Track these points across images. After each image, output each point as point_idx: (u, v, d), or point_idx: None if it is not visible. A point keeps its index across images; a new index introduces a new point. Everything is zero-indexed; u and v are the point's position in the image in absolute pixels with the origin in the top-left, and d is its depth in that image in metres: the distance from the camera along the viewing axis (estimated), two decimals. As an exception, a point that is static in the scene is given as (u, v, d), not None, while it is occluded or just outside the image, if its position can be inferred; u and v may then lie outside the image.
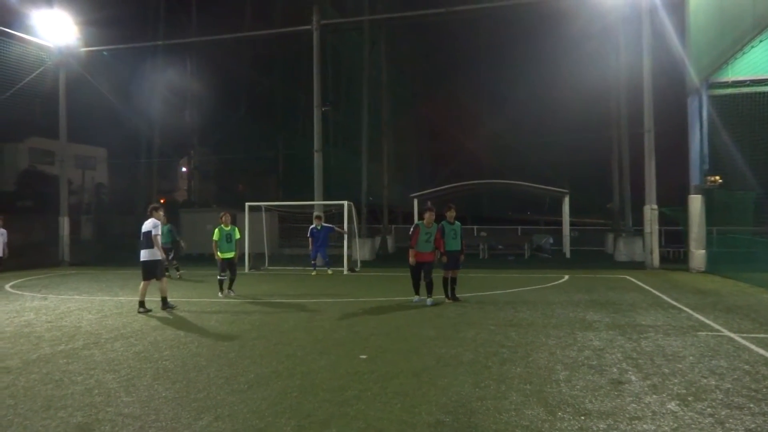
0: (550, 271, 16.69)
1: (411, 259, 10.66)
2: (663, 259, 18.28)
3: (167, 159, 35.58)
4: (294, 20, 22.84)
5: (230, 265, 12.08)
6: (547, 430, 4.29)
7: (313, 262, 17.20)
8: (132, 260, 23.98)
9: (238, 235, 12.34)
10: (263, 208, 19.99)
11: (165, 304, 10.29)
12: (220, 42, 27.79)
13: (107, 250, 26.02)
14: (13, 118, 29.08)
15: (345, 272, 17.36)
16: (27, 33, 21.40)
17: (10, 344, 7.45)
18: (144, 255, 10.18)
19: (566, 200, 23.54)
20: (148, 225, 10.21)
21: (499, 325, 8.46)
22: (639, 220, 19.03)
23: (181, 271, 16.21)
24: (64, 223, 22.92)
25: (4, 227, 15.72)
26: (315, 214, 18.10)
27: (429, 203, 13.46)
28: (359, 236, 20.15)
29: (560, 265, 18.79)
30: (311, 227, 17.21)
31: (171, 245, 15.33)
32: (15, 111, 26.95)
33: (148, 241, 10.13)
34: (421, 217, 11.00)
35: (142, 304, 10.12)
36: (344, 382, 5.55)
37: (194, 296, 12.29)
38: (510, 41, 33.17)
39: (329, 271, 17.10)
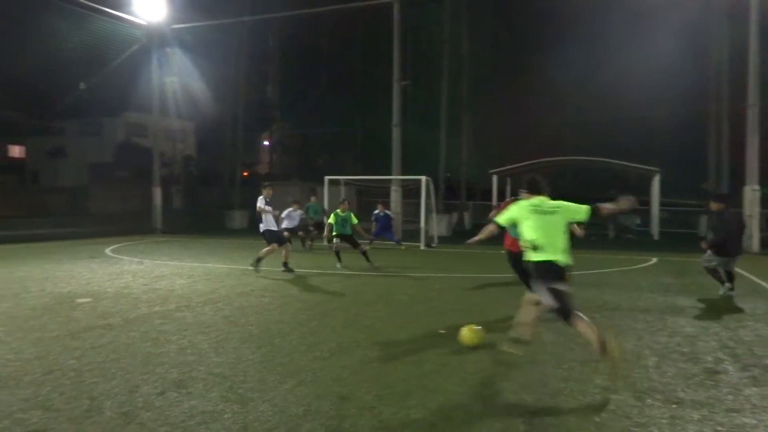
0: (636, 253, 15.94)
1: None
2: (764, 244, 17.02)
3: (251, 132, 36.70)
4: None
5: (348, 240, 12.58)
6: (636, 416, 4.12)
7: (372, 238, 17.41)
8: (218, 229, 25.14)
9: (355, 220, 12.70)
10: (342, 182, 20.27)
11: (285, 267, 11.27)
12: (302, 17, 28.16)
13: (196, 219, 27.37)
14: (112, 93, 30.97)
15: (422, 248, 17.38)
16: (122, 11, 22.53)
17: (112, 303, 8.02)
18: (261, 227, 11.20)
19: (656, 179, 22.31)
20: (258, 200, 11.12)
21: (583, 306, 8.12)
22: (737, 202, 17.76)
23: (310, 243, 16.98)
24: (157, 193, 24.26)
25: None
26: (380, 202, 18.18)
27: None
28: (436, 212, 20.05)
29: (648, 247, 17.90)
30: (376, 212, 17.39)
31: (319, 221, 16.58)
32: (113, 87, 28.67)
33: (259, 214, 11.13)
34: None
35: (285, 264, 11.25)
36: (423, 355, 5.57)
37: (277, 266, 12.69)
38: (597, 11, 31.50)
39: (402, 247, 17.18)
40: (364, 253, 12.40)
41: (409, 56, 28.87)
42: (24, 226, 20.07)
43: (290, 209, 16.13)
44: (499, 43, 38.77)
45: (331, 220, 12.64)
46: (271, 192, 11.31)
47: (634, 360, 5.48)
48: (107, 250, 15.43)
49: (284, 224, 15.76)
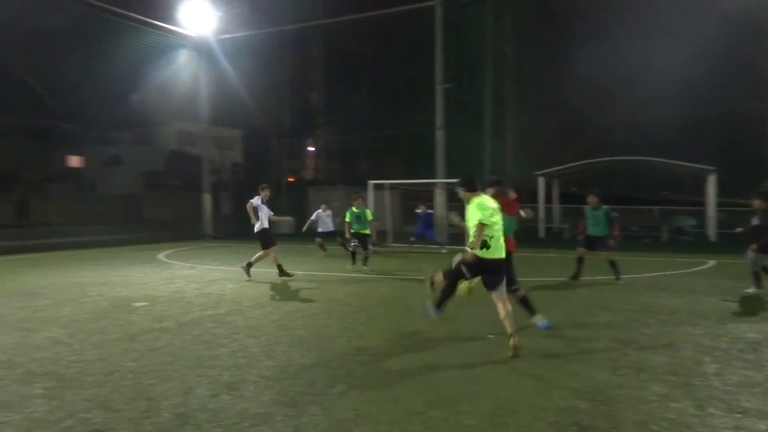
0: (692, 256, 15.36)
1: None
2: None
3: (296, 138, 37.25)
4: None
5: (362, 241, 12.64)
6: (697, 425, 3.96)
7: (412, 239, 17.49)
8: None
9: (369, 217, 12.93)
10: (386, 187, 20.33)
11: (281, 272, 11.14)
12: (343, 23, 28.39)
13: (243, 225, 27.87)
14: (162, 103, 31.95)
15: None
16: (171, 24, 23.25)
17: (166, 307, 8.26)
18: (257, 227, 11.13)
19: (711, 178, 21.45)
20: (254, 200, 11.14)
21: (636, 310, 7.95)
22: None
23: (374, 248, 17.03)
24: (207, 200, 24.88)
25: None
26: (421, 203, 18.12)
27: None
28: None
29: (704, 250, 17.20)
30: (417, 211, 17.34)
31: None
32: (164, 97, 29.57)
33: (256, 214, 11.07)
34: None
35: (279, 269, 11.08)
36: (472, 360, 5.51)
37: (324, 270, 12.83)
38: (646, 5, 30.64)
39: (444, 250, 16.99)
40: (365, 258, 12.56)
41: (452, 58, 28.75)
42: (82, 232, 20.91)
43: (319, 210, 16.00)
44: (542, 41, 38.15)
45: (347, 218, 12.84)
46: (268, 193, 11.42)
47: (694, 367, 5.27)
48: (160, 256, 15.91)
49: (319, 228, 15.84)
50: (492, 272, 5.84)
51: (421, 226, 17.16)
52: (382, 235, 19.68)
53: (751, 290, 9.01)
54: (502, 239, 5.85)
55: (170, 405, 4.34)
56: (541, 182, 24.15)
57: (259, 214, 11.06)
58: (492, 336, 6.45)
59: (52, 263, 14.23)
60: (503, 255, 5.87)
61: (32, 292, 9.63)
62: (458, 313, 7.79)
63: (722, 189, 21.59)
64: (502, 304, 5.82)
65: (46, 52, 28.66)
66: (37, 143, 37.38)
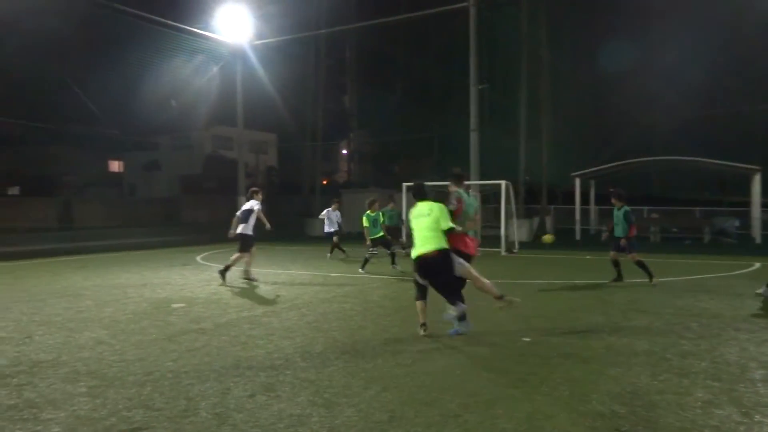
0: (735, 258, 14.90)
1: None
2: None
3: (329, 141, 37.54)
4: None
5: (383, 243, 12.78)
6: (743, 433, 3.83)
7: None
8: (299, 237, 25.82)
9: (382, 219, 13.42)
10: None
11: (245, 275, 11.30)
12: (377, 26, 28.50)
13: (277, 227, 28.18)
14: (200, 108, 32.63)
15: (503, 253, 17.07)
16: (208, 31, 23.71)
17: (203, 309, 8.41)
18: (240, 229, 11.18)
19: (757, 178, 20.77)
20: (251, 204, 11.27)
21: (677, 314, 7.75)
22: None
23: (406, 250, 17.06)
24: (242, 203, 25.26)
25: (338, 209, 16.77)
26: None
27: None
28: (516, 217, 19.65)
29: (749, 252, 16.69)
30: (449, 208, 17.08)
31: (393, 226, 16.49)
32: (201, 102, 30.21)
33: (246, 218, 11.15)
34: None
35: (244, 272, 11.30)
36: (508, 363, 5.45)
37: (349, 271, 12.87)
38: (684, 2, 29.87)
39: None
40: (392, 254, 12.85)
41: (486, 59, 28.57)
42: (123, 235, 21.53)
43: (329, 209, 16.14)
44: (577, 41, 37.58)
45: (366, 223, 13.10)
46: (261, 197, 11.54)
47: (739, 373, 5.10)
48: (198, 258, 16.22)
49: (326, 228, 16.07)
50: (424, 269, 6.41)
51: None
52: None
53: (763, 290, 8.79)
54: (424, 237, 6.40)
55: (208, 405, 4.41)
56: (577, 183, 23.76)
57: (250, 218, 11.21)
58: (527, 339, 6.37)
59: (94, 265, 14.66)
60: (425, 250, 6.35)
61: (76, 294, 9.94)
62: (492, 316, 7.72)
63: (766, 189, 20.89)
64: (479, 283, 6.47)
65: (88, 60, 29.58)
66: (79, 149, 38.61)
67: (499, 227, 17.81)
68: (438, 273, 6.36)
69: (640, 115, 32.70)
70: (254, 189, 11.93)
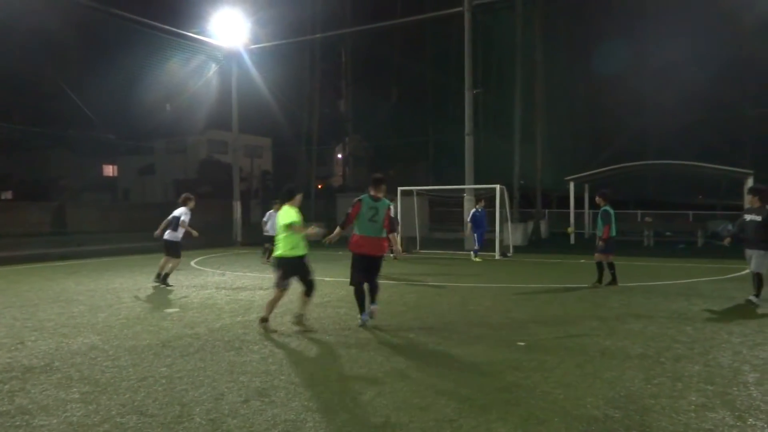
0: (729, 261, 14.94)
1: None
2: None
3: (324, 146, 37.56)
4: (444, 3, 22.70)
5: None
6: (737, 437, 3.84)
7: (476, 248, 16.70)
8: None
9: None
10: (414, 193, 20.32)
11: (163, 279, 11.23)
12: (372, 31, 28.56)
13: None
14: (195, 113, 32.58)
15: (497, 257, 17.09)
16: (203, 35, 23.70)
17: (198, 314, 8.39)
18: (167, 235, 11.20)
19: (749, 182, 20.87)
20: (180, 211, 11.25)
21: (671, 318, 7.77)
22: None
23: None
24: (237, 207, 25.23)
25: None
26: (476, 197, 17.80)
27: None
28: (511, 221, 19.67)
29: (742, 256, 16.72)
30: (473, 211, 16.79)
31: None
32: (196, 107, 30.18)
33: (176, 224, 11.16)
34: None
35: (161, 276, 11.21)
36: (503, 368, 5.45)
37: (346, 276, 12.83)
38: (679, 6, 30.05)
39: (476, 258, 16.64)
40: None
41: (481, 64, 28.68)
42: (117, 240, 21.42)
43: (271, 211, 15.02)
44: (572, 46, 37.77)
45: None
46: (193, 204, 11.50)
47: (732, 376, 5.12)
48: (192, 263, 16.16)
49: (268, 230, 14.90)
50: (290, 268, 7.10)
51: (477, 229, 16.53)
52: (411, 241, 19.69)
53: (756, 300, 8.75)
54: (280, 241, 7.10)
55: (202, 411, 4.39)
56: (571, 187, 23.83)
57: (179, 226, 11.18)
58: (522, 343, 6.37)
59: (88, 270, 14.59)
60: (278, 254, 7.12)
61: (69, 299, 9.89)
62: (487, 320, 7.74)
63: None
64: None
65: (84, 64, 29.51)
66: (74, 153, 38.49)
67: (493, 231, 17.82)
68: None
69: (634, 119, 32.84)
70: (187, 195, 11.69)
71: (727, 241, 9.31)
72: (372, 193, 7.40)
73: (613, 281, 10.55)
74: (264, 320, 7.18)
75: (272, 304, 7.20)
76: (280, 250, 7.02)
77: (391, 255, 12.39)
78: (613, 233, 10.49)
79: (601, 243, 10.45)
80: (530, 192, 28.51)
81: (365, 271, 7.39)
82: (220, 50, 24.57)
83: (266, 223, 15.39)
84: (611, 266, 10.60)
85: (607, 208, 10.48)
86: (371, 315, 7.46)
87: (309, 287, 7.14)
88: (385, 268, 13.41)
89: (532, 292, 10.26)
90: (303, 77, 32.42)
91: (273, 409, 4.40)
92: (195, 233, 11.46)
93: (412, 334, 6.93)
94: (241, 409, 4.41)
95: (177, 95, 28.05)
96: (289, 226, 6.89)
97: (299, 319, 7.17)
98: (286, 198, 7.23)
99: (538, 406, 4.41)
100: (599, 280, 10.63)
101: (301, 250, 7.07)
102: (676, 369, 5.36)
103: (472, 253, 16.83)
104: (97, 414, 4.34)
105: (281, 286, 7.06)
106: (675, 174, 26.55)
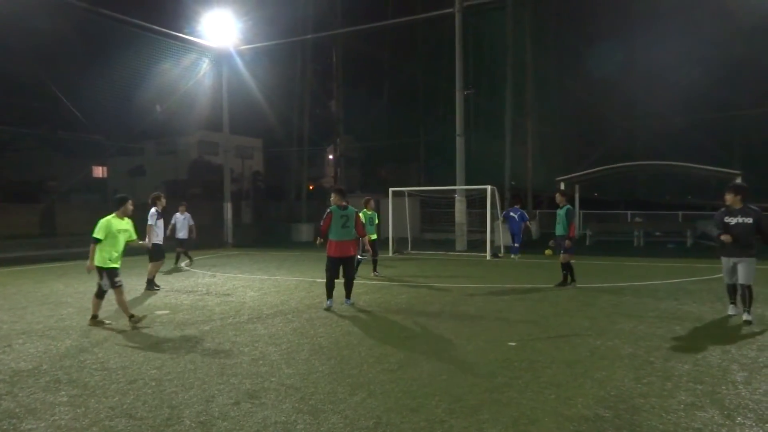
0: (718, 261, 15.02)
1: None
2: None
3: (316, 147, 37.48)
4: (434, 4, 22.73)
5: (372, 246, 12.59)
6: (726, 435, 3.87)
7: (516, 245, 16.90)
8: (285, 242, 25.71)
9: (377, 220, 13.22)
10: (406, 194, 20.33)
11: (149, 284, 11.08)
12: (363, 31, 28.53)
13: (264, 233, 28.13)
14: (185, 113, 32.39)
15: (488, 258, 17.13)
16: (193, 36, 23.58)
17: (188, 316, 8.34)
18: (148, 239, 10.93)
19: (736, 182, 21.05)
20: (150, 214, 11.23)
21: (661, 317, 7.82)
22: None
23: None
24: (228, 209, 25.12)
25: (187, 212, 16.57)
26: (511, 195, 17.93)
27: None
28: (502, 222, 19.71)
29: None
30: (508, 212, 17.13)
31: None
32: (186, 107, 30.01)
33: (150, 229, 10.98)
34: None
35: (148, 281, 11.08)
36: (494, 368, 5.46)
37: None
38: (667, 8, 30.26)
39: (514, 257, 16.74)
40: (374, 261, 12.93)
41: (472, 65, 28.74)
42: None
43: (176, 213, 14.87)
44: (563, 47, 37.95)
45: (362, 219, 12.91)
46: (164, 203, 11.40)
47: (721, 375, 5.16)
48: (182, 264, 16.06)
49: (177, 234, 14.80)
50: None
51: (514, 232, 16.73)
52: (402, 242, 19.70)
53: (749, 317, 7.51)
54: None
55: (192, 413, 4.37)
56: (562, 188, 23.90)
57: (157, 228, 11.15)
58: (513, 344, 6.39)
59: (77, 272, 14.46)
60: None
61: (57, 301, 9.81)
62: (478, 321, 7.75)
63: (751, 194, 21.17)
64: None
65: (72, 65, 29.26)
66: (62, 154, 38.18)
67: (484, 232, 17.86)
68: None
69: (624, 120, 33.03)
70: (155, 194, 11.49)
71: (725, 237, 7.58)
72: (338, 203, 8.73)
73: (568, 282, 10.57)
74: (95, 317, 7.81)
75: (123, 304, 7.76)
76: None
77: (359, 256, 12.37)
78: (561, 231, 10.49)
79: (568, 242, 10.41)
80: (521, 193, 28.61)
81: (337, 270, 8.81)
82: (210, 51, 24.46)
83: (174, 226, 14.89)
84: (568, 266, 10.60)
85: (569, 206, 10.52)
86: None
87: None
88: (371, 270, 13.43)
89: (523, 293, 10.29)
90: (294, 78, 32.32)
91: (264, 411, 4.38)
92: (148, 243, 10.39)
93: (403, 335, 6.93)
94: (232, 412, 4.38)
95: (167, 96, 27.86)
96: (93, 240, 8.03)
97: (95, 322, 7.75)
98: (114, 207, 8.26)
99: (528, 406, 4.42)
100: (573, 279, 10.63)
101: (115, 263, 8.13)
102: (666, 368, 5.39)
103: (512, 255, 16.96)
104: (86, 417, 4.30)
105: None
106: (664, 174, 26.74)
